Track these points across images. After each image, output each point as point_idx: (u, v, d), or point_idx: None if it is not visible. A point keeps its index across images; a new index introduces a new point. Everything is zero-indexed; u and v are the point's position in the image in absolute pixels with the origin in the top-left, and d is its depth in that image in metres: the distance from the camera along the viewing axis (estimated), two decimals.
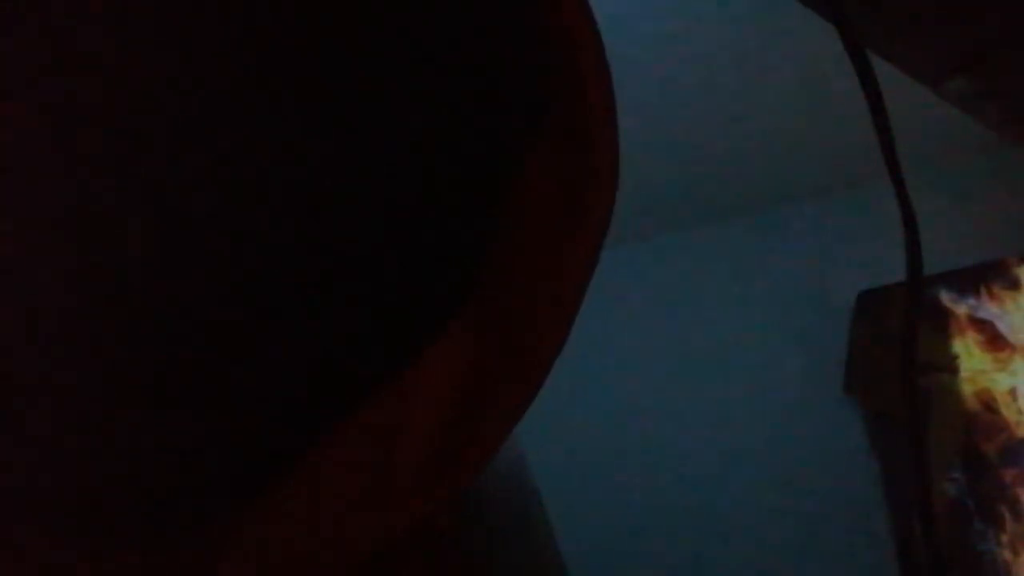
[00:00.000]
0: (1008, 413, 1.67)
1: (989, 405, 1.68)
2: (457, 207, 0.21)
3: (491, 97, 0.21)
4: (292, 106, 0.19)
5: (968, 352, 1.69)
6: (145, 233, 0.18)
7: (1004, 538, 1.63)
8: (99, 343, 0.19)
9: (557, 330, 0.21)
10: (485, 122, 0.21)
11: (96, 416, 0.19)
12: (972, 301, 1.71)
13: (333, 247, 0.20)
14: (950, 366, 1.69)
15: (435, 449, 0.21)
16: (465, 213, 0.21)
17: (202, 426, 0.20)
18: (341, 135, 0.20)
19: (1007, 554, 1.63)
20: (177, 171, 0.18)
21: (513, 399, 0.20)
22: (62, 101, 0.18)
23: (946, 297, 1.71)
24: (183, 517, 0.21)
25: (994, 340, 1.70)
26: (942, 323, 1.70)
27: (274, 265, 0.19)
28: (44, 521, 0.19)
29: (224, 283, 0.19)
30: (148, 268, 0.18)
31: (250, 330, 0.20)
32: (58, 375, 0.19)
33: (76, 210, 0.17)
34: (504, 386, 0.21)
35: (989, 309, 1.71)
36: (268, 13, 0.19)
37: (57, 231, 0.18)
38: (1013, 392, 1.68)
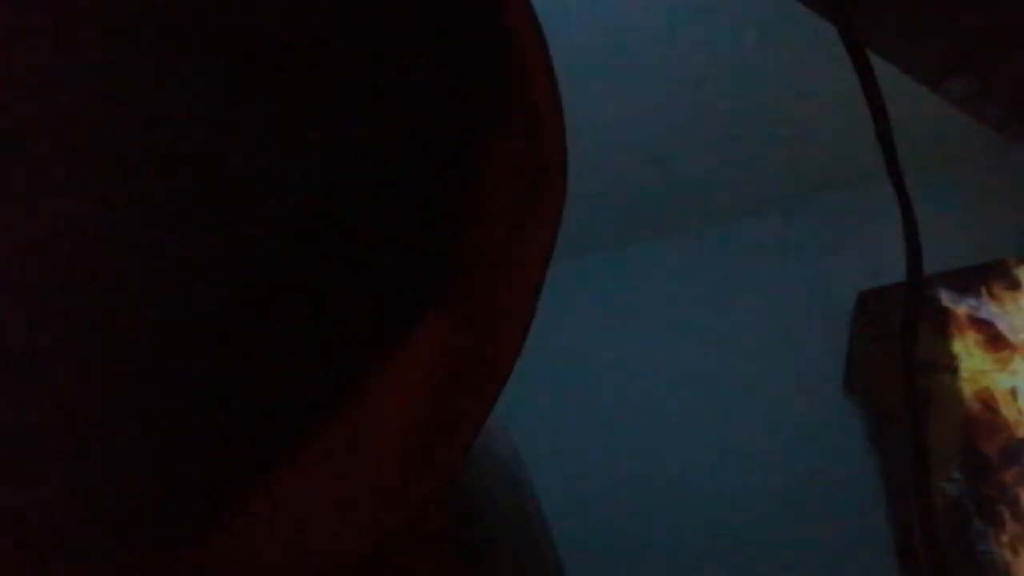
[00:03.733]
0: (1008, 413, 1.67)
1: (989, 405, 1.68)
2: (418, 208, 0.22)
3: (443, 97, 0.21)
4: (265, 106, 0.19)
5: (968, 352, 1.69)
6: (122, 240, 0.18)
7: (1004, 538, 1.63)
8: (91, 348, 0.19)
9: (521, 316, 0.21)
10: (439, 122, 0.21)
11: (82, 424, 0.19)
12: (972, 301, 1.71)
13: (298, 251, 0.20)
14: (950, 366, 1.68)
15: (411, 449, 0.21)
16: (426, 213, 0.22)
17: (179, 436, 0.20)
18: (303, 134, 0.20)
19: (1007, 554, 1.63)
20: (157, 172, 0.18)
21: (483, 392, 0.21)
22: (69, 104, 0.18)
23: (946, 297, 1.71)
24: (163, 529, 0.21)
25: (994, 340, 1.70)
26: (942, 323, 1.70)
27: (246, 270, 0.20)
28: (23, 536, 0.19)
29: (202, 286, 0.19)
30: (132, 273, 0.18)
31: (224, 334, 0.20)
32: (54, 378, 0.19)
33: (75, 213, 0.18)
34: (474, 379, 0.21)
35: (989, 309, 1.71)
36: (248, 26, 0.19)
37: (56, 235, 0.18)
38: (1013, 392, 1.67)
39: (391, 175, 0.21)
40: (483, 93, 0.22)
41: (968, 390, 1.67)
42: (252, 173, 0.19)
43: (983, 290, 1.72)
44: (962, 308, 1.71)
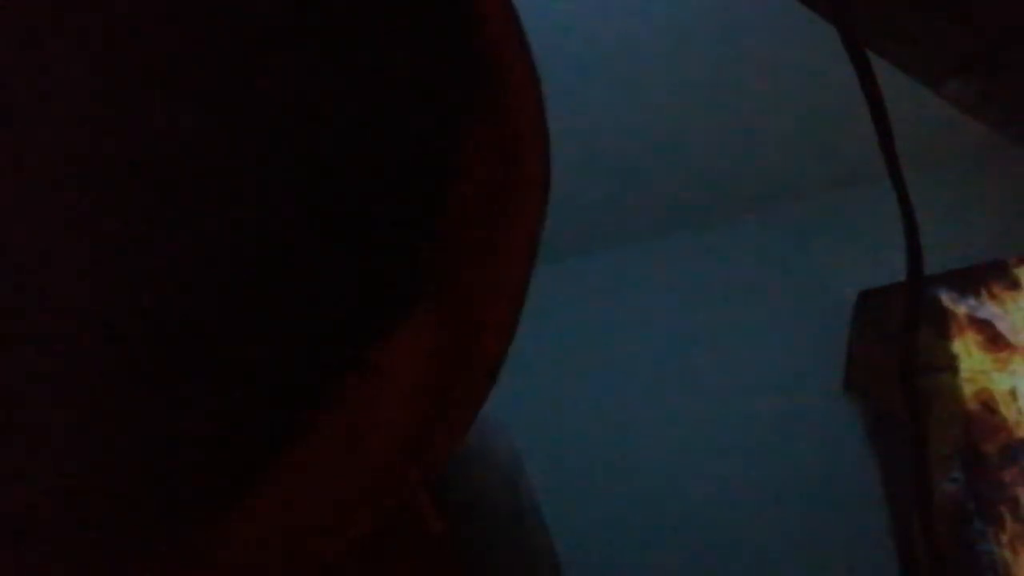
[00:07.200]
0: (1008, 413, 1.67)
1: (989, 405, 1.68)
2: (401, 201, 0.22)
3: (421, 92, 0.21)
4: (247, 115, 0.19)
5: (968, 352, 1.69)
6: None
7: (1004, 538, 1.63)
8: (90, 343, 0.19)
9: (508, 311, 0.21)
10: (415, 125, 0.22)
11: (79, 421, 0.19)
12: (972, 301, 1.71)
13: (288, 250, 0.20)
14: (950, 366, 1.68)
15: (404, 442, 0.21)
16: (410, 208, 0.22)
17: (177, 432, 0.20)
18: (288, 134, 0.20)
19: (1007, 554, 1.63)
20: (150, 163, 0.18)
21: (474, 385, 0.21)
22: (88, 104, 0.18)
23: (946, 297, 1.71)
24: (162, 525, 0.21)
25: (994, 340, 1.70)
26: (942, 323, 1.70)
27: (242, 269, 0.20)
28: (17, 536, 0.19)
29: (206, 279, 0.19)
30: (133, 265, 0.18)
31: (219, 329, 0.20)
32: (57, 381, 0.18)
33: (86, 208, 0.17)
34: (470, 363, 0.21)
35: (989, 309, 1.71)
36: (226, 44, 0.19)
37: (68, 230, 0.17)
38: (1013, 392, 1.67)
39: (369, 174, 0.21)
40: (458, 102, 0.22)
41: (968, 390, 1.67)
42: (241, 176, 0.19)
43: (983, 290, 1.72)
44: (962, 308, 1.71)
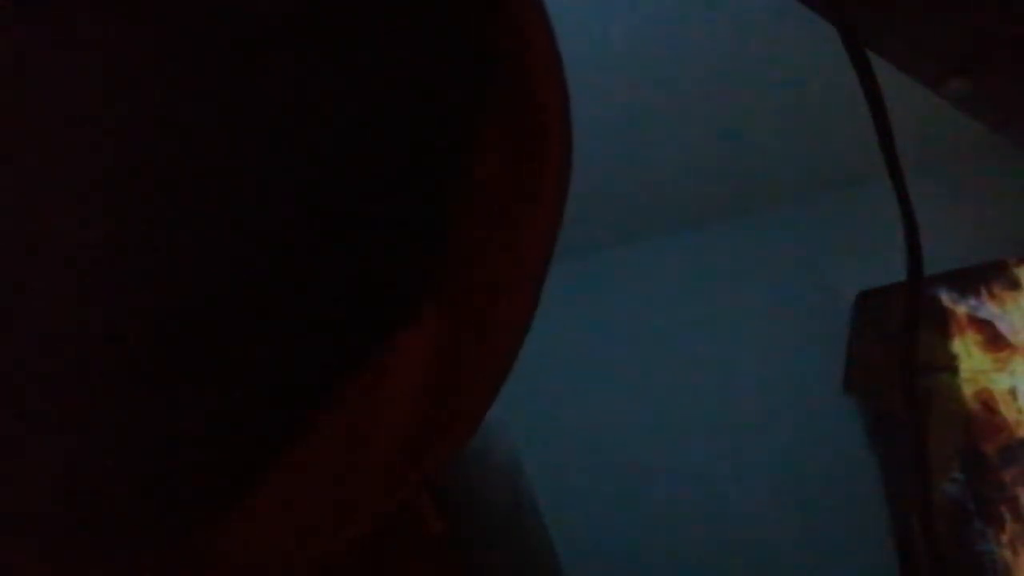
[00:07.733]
0: (1008, 413, 1.67)
1: (989, 405, 1.68)
2: (409, 190, 0.21)
3: (434, 73, 0.21)
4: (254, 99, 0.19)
5: (968, 352, 1.69)
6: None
7: (1004, 538, 1.63)
8: (85, 340, 0.19)
9: (520, 313, 0.21)
10: (428, 101, 0.21)
11: (72, 420, 0.19)
12: (972, 301, 1.71)
13: (286, 249, 0.20)
14: (950, 366, 1.69)
15: (404, 444, 0.21)
16: (419, 196, 0.21)
17: (174, 430, 0.20)
18: (288, 133, 0.19)
19: (1007, 554, 1.63)
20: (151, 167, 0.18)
21: (485, 380, 0.21)
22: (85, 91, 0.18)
23: (946, 297, 1.71)
24: (166, 526, 0.21)
25: (994, 340, 1.70)
26: (942, 323, 1.70)
27: (241, 268, 0.19)
28: (6, 534, 0.19)
29: (206, 279, 0.19)
30: (132, 262, 0.18)
31: (218, 329, 0.20)
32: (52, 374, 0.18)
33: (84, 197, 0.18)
34: (475, 367, 0.21)
35: (989, 309, 1.71)
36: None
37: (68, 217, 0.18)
38: (1013, 392, 1.68)
39: (379, 165, 0.21)
40: (464, 100, 0.22)
41: (968, 390, 1.67)
42: (241, 176, 0.19)
43: (983, 290, 1.72)
44: (962, 308, 1.71)
